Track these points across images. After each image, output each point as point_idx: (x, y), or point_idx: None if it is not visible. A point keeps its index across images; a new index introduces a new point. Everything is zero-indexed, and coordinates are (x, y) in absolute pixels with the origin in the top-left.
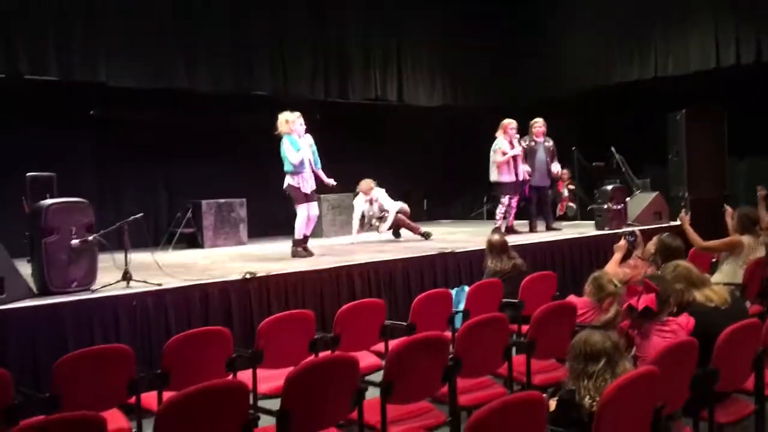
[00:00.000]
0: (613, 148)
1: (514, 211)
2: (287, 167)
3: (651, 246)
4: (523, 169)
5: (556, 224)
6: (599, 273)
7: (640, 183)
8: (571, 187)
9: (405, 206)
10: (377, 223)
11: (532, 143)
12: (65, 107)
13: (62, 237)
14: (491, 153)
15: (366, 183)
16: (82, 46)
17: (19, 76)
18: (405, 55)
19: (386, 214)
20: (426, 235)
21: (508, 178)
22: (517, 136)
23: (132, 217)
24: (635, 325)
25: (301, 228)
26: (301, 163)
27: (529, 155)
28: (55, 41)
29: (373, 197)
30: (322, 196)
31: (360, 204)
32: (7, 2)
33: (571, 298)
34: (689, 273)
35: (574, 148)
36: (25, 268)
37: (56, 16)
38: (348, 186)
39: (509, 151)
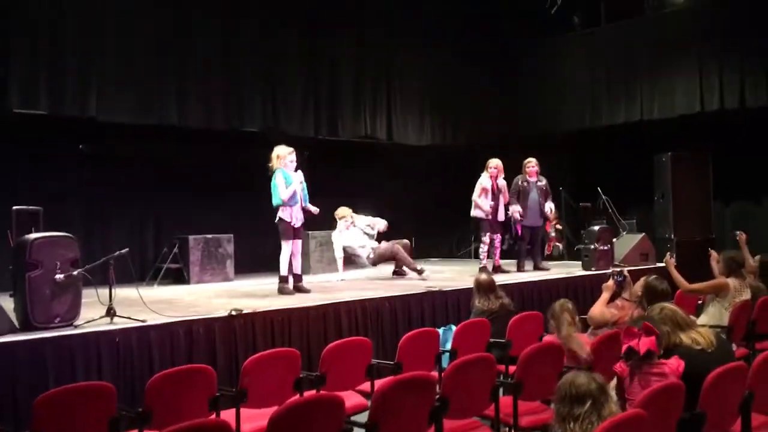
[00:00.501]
0: (599, 189)
1: (498, 249)
2: (276, 200)
3: (638, 288)
4: (514, 209)
5: (544, 264)
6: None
7: (627, 224)
8: (558, 227)
9: (404, 241)
10: (365, 251)
11: (525, 183)
12: (54, 141)
13: (46, 271)
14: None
15: (342, 209)
16: (73, 81)
17: (9, 110)
18: (395, 93)
19: (374, 225)
20: (420, 272)
21: (485, 215)
22: (500, 175)
23: (118, 252)
24: (635, 368)
25: (285, 263)
26: (291, 197)
27: (521, 195)
28: (47, 76)
29: (353, 221)
30: (309, 233)
31: (338, 237)
32: (1, 36)
33: (546, 338)
34: (675, 315)
35: (561, 188)
36: (7, 303)
37: (48, 50)
38: (336, 223)
39: (489, 189)
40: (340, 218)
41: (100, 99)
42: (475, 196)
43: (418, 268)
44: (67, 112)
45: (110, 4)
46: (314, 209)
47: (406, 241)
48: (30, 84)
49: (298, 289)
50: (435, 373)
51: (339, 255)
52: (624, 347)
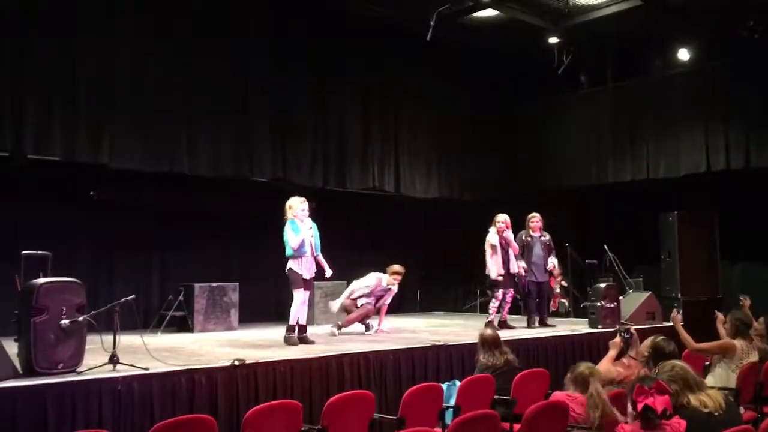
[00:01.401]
0: (605, 246)
1: (508, 305)
2: (288, 251)
3: (645, 348)
4: (520, 264)
5: (550, 320)
6: (583, 368)
7: (633, 282)
8: (564, 283)
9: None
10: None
11: (529, 238)
12: (66, 187)
13: (52, 317)
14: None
15: (400, 267)
16: (86, 128)
17: (23, 155)
18: (402, 147)
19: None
20: (367, 327)
21: (499, 271)
22: (508, 230)
23: (124, 299)
24: (650, 427)
25: (295, 313)
26: (301, 246)
27: (525, 250)
28: (60, 122)
29: (391, 289)
30: (315, 283)
31: (373, 282)
32: (15, 81)
33: (556, 395)
34: (686, 375)
35: (567, 244)
36: (12, 348)
37: (62, 97)
38: (342, 274)
39: (497, 245)
40: (398, 274)
41: (112, 146)
42: (486, 257)
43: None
44: (80, 158)
45: (123, 54)
46: (328, 271)
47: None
48: (44, 130)
49: (303, 340)
50: (438, 430)
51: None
52: (639, 405)
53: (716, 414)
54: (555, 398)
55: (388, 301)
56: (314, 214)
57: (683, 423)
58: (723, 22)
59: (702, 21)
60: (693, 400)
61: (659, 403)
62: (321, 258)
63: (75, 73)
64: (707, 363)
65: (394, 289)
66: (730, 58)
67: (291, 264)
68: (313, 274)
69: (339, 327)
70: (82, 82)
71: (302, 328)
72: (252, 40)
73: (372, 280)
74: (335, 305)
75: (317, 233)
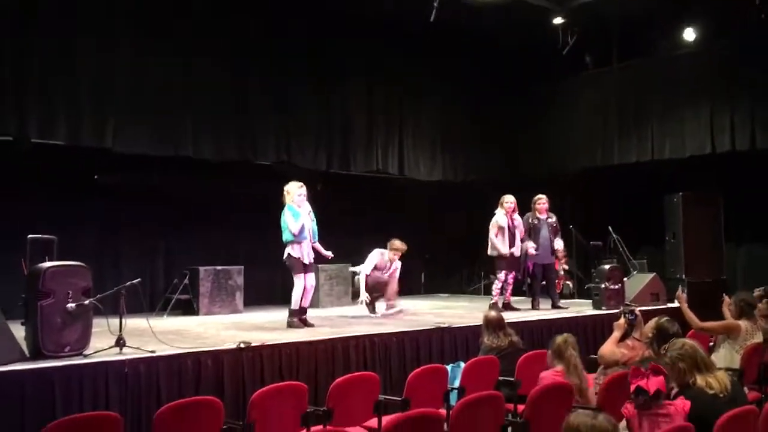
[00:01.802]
0: (610, 228)
1: (510, 287)
2: (287, 237)
3: (648, 329)
4: (528, 245)
5: (561, 302)
6: (558, 340)
7: (637, 264)
8: (566, 267)
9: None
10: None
11: (536, 220)
12: (70, 171)
13: (58, 300)
14: (490, 228)
15: (401, 244)
16: (90, 113)
17: (27, 140)
18: (407, 129)
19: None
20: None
21: (503, 253)
22: (515, 211)
23: (129, 282)
24: (643, 409)
25: (297, 298)
26: (301, 231)
27: (533, 232)
28: (64, 106)
29: (397, 265)
30: (319, 266)
31: (379, 256)
32: (19, 67)
33: (544, 375)
34: (695, 354)
35: (571, 226)
36: (19, 331)
37: (65, 82)
38: (346, 257)
39: (505, 227)
40: (397, 249)
41: (116, 130)
42: (491, 236)
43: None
44: (84, 142)
45: (125, 39)
46: (328, 254)
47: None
48: (48, 115)
49: (303, 322)
50: (443, 411)
51: (364, 276)
52: (632, 386)
53: (720, 395)
54: (545, 380)
55: (396, 275)
56: (320, 197)
57: (687, 403)
58: (729, 1)
59: (708, 1)
60: (699, 380)
61: (652, 384)
62: (318, 245)
63: (78, 55)
64: (711, 344)
65: (398, 264)
66: (736, 38)
67: (289, 250)
68: (312, 260)
69: (372, 305)
70: (86, 65)
71: (302, 311)
72: (256, 21)
73: (375, 256)
74: (362, 296)
75: (314, 219)
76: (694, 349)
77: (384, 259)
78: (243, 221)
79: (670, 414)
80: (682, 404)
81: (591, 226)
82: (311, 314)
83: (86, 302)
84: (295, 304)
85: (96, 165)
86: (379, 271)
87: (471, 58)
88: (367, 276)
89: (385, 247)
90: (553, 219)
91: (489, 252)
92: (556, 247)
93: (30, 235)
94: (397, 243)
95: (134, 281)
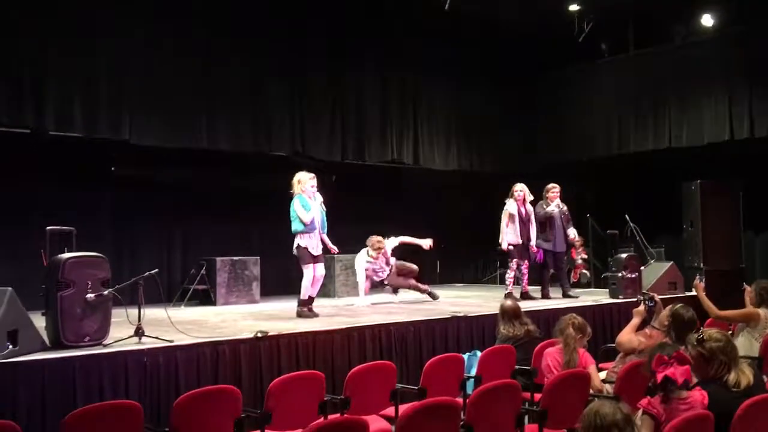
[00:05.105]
0: (627, 216)
1: (526, 276)
2: (297, 227)
3: (664, 317)
4: (542, 235)
5: (572, 291)
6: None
7: (654, 252)
8: (584, 256)
9: (413, 267)
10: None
11: (551, 209)
12: (88, 163)
13: (78, 291)
14: (501, 218)
15: (377, 242)
16: (107, 105)
17: (45, 132)
18: (421, 119)
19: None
20: (432, 296)
21: (513, 241)
22: (527, 199)
23: (147, 272)
24: (665, 401)
25: (307, 288)
26: (312, 222)
27: (548, 221)
28: (81, 99)
29: (387, 256)
30: (335, 256)
31: (363, 262)
32: (36, 59)
33: (548, 352)
34: (734, 350)
35: (588, 215)
36: (39, 321)
37: (83, 74)
38: (361, 247)
39: (516, 215)
40: (376, 249)
41: (133, 122)
42: (502, 225)
43: (429, 290)
44: (101, 134)
45: (141, 31)
46: (333, 247)
47: (413, 267)
48: (65, 107)
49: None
50: (459, 400)
51: (361, 279)
52: (659, 375)
53: (741, 389)
54: (547, 356)
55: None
56: (333, 188)
57: (705, 394)
58: None
59: None
60: (732, 377)
61: (680, 373)
62: (326, 237)
63: (95, 50)
64: (730, 332)
65: (381, 261)
66: (754, 24)
67: (299, 240)
68: (321, 251)
69: (432, 294)
70: (103, 58)
71: (310, 300)
72: (271, 19)
73: (360, 260)
74: (360, 300)
75: (324, 210)
76: (733, 345)
77: (370, 260)
78: (259, 212)
79: (690, 404)
80: (701, 396)
81: (608, 215)
82: (326, 303)
83: (105, 293)
84: (304, 293)
85: (113, 156)
86: (378, 269)
87: (486, 47)
88: (365, 279)
89: (399, 234)
90: (564, 207)
91: (500, 241)
92: (571, 236)
93: (49, 227)
94: (372, 239)
95: (152, 272)
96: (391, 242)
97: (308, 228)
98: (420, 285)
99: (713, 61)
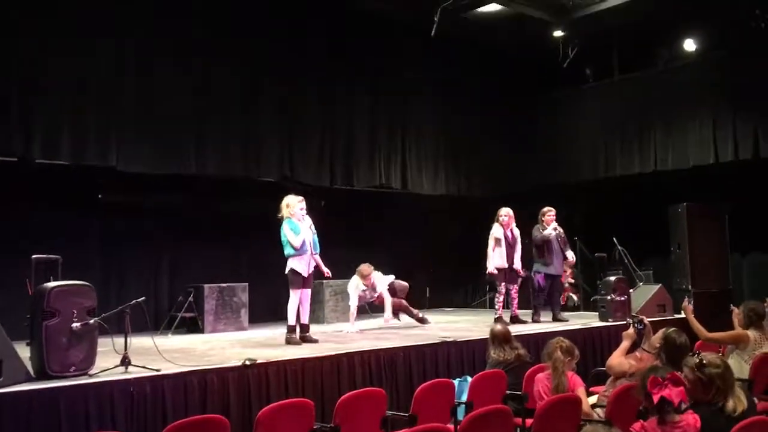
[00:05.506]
0: (615, 239)
1: (515, 300)
2: (288, 251)
3: (656, 340)
4: (540, 259)
5: (562, 315)
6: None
7: (643, 275)
8: (571, 280)
9: (404, 284)
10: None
11: (548, 233)
12: (74, 191)
13: (63, 320)
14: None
15: (366, 267)
16: (95, 132)
17: (31, 160)
18: (409, 143)
19: (381, 296)
20: (422, 321)
21: (500, 265)
22: (512, 223)
23: (134, 300)
24: (660, 423)
25: (293, 314)
26: (302, 245)
27: (546, 244)
28: (69, 126)
29: (372, 282)
30: (324, 281)
31: (355, 288)
32: (24, 86)
33: (538, 378)
34: (732, 377)
35: (576, 238)
36: (24, 351)
37: (70, 102)
38: (351, 272)
39: (501, 239)
40: (361, 275)
41: (120, 149)
42: (488, 250)
43: (420, 316)
44: (88, 161)
45: (131, 57)
46: (326, 270)
47: (404, 284)
48: (52, 134)
49: (305, 339)
50: (451, 426)
51: (354, 304)
52: (655, 397)
53: (735, 414)
54: (537, 380)
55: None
56: (322, 213)
57: (697, 418)
58: (729, 12)
59: (708, 11)
60: (730, 405)
61: (675, 395)
62: (318, 258)
63: (83, 77)
64: (719, 354)
65: (368, 291)
66: (736, 47)
67: (291, 264)
68: (312, 271)
69: (423, 320)
70: (90, 86)
71: (304, 327)
72: (257, 41)
73: (352, 287)
74: (387, 314)
75: (315, 232)
76: (731, 372)
77: (360, 286)
78: (247, 238)
79: (683, 428)
80: (694, 419)
81: (596, 238)
82: (315, 330)
83: (91, 321)
84: (291, 319)
85: (101, 183)
86: (369, 298)
87: (473, 73)
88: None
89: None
90: (560, 230)
91: (487, 265)
92: (570, 258)
93: (34, 255)
94: (361, 267)
95: (138, 300)
96: (388, 278)
97: (299, 251)
98: (411, 308)
99: (697, 85)
